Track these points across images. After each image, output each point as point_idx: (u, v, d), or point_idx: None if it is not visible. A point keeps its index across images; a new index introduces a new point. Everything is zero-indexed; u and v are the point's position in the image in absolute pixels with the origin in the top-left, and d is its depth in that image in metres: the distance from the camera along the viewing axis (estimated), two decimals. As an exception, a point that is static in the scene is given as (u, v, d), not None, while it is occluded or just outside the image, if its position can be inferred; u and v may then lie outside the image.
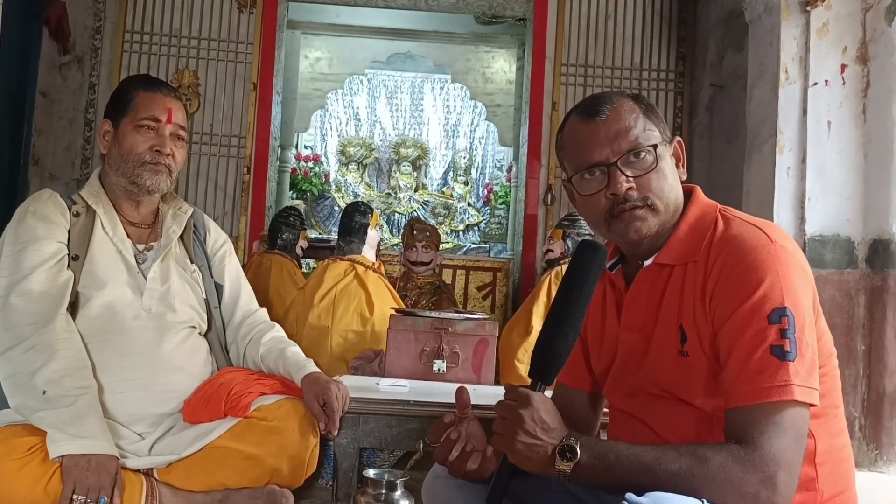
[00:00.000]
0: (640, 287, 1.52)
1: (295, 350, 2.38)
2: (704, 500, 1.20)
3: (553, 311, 1.42)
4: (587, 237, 4.18)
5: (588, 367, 1.69)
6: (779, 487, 1.22)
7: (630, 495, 1.18)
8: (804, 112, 3.64)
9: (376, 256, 3.92)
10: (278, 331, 2.46)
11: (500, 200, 9.89)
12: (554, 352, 1.39)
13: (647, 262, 1.51)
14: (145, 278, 2.23)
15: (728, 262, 1.36)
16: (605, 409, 1.72)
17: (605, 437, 1.69)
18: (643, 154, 1.45)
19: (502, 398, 1.39)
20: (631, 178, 1.44)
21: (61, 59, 5.68)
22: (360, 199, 9.23)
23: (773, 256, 1.33)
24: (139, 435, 2.13)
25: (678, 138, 1.54)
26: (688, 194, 1.53)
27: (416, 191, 10.60)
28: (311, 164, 10.05)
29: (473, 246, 9.61)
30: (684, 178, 1.53)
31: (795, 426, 1.26)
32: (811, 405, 1.28)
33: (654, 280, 1.49)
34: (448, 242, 9.44)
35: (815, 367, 1.30)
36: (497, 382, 3.11)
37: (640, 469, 1.25)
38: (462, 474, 1.54)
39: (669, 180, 1.47)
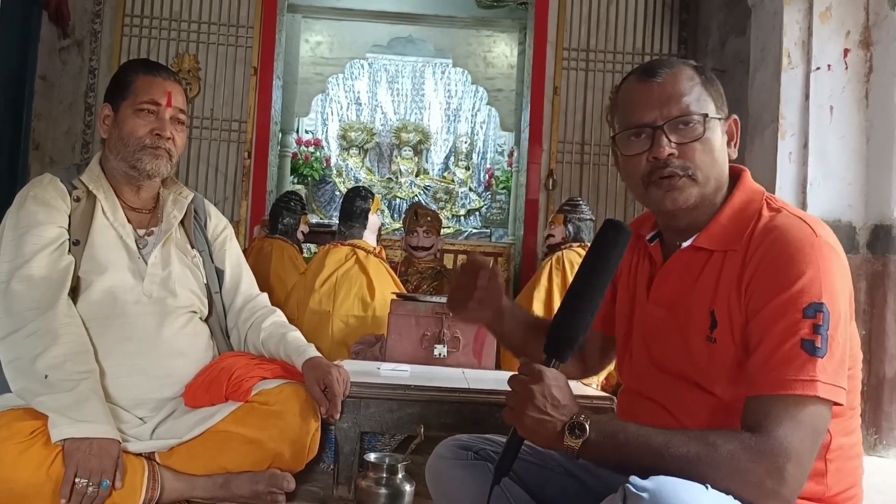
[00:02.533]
0: (675, 265, 1.50)
1: (296, 335, 2.39)
2: (709, 486, 1.19)
3: (571, 290, 1.41)
4: (588, 222, 4.18)
5: (611, 313, 1.69)
6: (786, 479, 1.20)
7: (634, 479, 1.18)
8: (806, 97, 3.62)
9: (377, 241, 3.92)
10: (279, 316, 2.46)
11: (501, 185, 9.89)
12: (570, 330, 1.38)
13: (685, 244, 1.49)
14: (146, 263, 2.23)
15: (769, 252, 1.34)
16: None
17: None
18: (692, 122, 1.42)
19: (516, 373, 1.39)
20: (675, 144, 1.41)
21: (61, 43, 5.67)
22: (361, 184, 9.22)
23: (817, 251, 1.31)
24: (141, 419, 2.14)
25: (735, 117, 1.50)
26: (735, 177, 1.50)
27: (417, 175, 10.59)
28: (311, 149, 10.05)
29: (475, 231, 9.63)
30: (734, 157, 1.50)
31: (814, 422, 1.24)
32: (836, 403, 1.26)
33: (690, 261, 1.47)
34: (449, 227, 9.44)
35: (843, 367, 1.29)
36: (498, 367, 3.11)
37: (649, 451, 1.24)
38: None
39: (716, 154, 1.44)
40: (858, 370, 1.42)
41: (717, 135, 1.45)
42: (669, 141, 1.41)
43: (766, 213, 1.42)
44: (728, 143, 1.49)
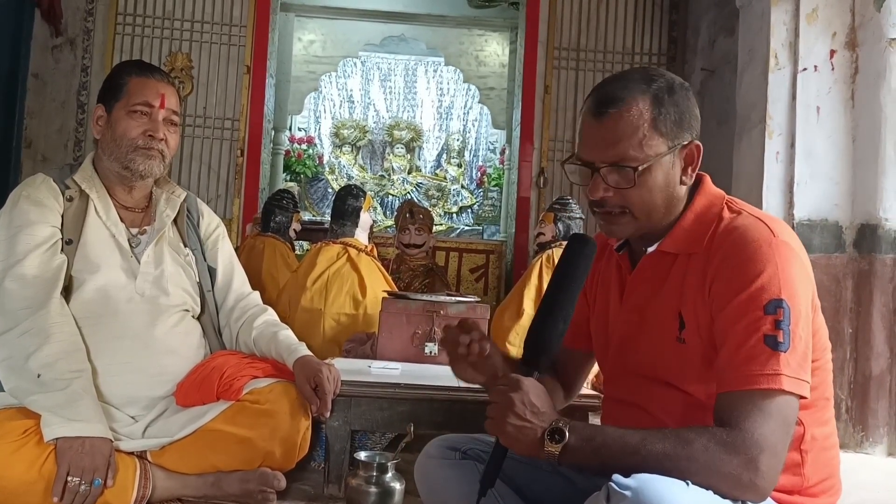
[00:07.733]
0: (643, 271, 1.55)
1: (287, 333, 2.41)
2: (689, 482, 1.22)
3: (544, 301, 1.45)
4: (578, 220, 4.20)
5: (588, 331, 1.72)
6: (761, 470, 1.24)
7: (617, 477, 1.21)
8: (793, 97, 3.64)
9: (369, 239, 3.93)
10: (271, 314, 2.48)
11: (493, 183, 9.90)
12: (545, 340, 1.43)
13: (650, 249, 1.53)
14: (139, 262, 2.25)
15: (729, 253, 1.38)
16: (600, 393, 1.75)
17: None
18: (626, 171, 1.43)
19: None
20: (610, 187, 1.45)
21: (53, 42, 5.68)
22: (353, 182, 9.24)
23: (774, 250, 1.35)
24: (133, 418, 2.15)
25: (696, 143, 1.47)
26: (696, 182, 1.52)
27: (409, 173, 10.59)
28: (304, 147, 10.04)
29: (466, 228, 9.63)
30: (689, 182, 1.49)
31: (782, 413, 1.28)
32: (801, 397, 1.30)
33: (657, 266, 1.52)
34: (441, 225, 9.45)
35: (806, 361, 1.32)
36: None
37: (626, 450, 1.27)
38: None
39: (655, 192, 1.45)
40: (828, 360, 1.46)
41: (658, 175, 1.45)
42: (606, 184, 1.45)
43: (726, 215, 1.46)
44: (685, 171, 1.48)
